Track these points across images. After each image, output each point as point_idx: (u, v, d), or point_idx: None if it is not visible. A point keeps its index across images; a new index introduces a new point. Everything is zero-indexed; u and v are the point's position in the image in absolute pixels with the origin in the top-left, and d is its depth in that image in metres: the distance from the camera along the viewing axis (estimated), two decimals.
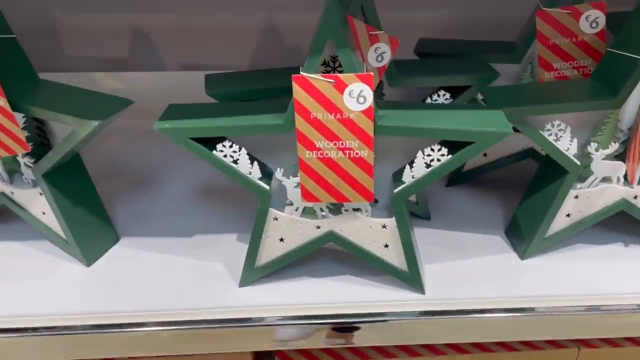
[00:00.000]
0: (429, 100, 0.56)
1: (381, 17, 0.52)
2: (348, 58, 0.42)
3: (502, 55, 0.60)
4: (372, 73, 0.41)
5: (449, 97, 0.56)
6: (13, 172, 0.55)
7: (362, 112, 0.43)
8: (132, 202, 0.65)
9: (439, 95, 0.56)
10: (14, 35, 0.49)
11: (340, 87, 0.42)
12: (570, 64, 0.57)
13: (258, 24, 0.82)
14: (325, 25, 0.41)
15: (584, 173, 0.52)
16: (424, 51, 0.62)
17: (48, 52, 0.82)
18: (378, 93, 0.55)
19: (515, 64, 0.60)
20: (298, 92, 0.42)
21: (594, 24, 0.55)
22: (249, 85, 0.54)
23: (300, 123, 0.43)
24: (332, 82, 0.42)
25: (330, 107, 0.43)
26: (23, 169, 0.52)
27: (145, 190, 0.67)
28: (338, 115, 0.43)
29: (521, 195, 0.58)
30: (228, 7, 0.80)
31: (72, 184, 0.53)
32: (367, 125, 0.43)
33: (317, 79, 0.42)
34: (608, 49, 0.50)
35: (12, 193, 0.54)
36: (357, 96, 0.42)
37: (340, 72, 0.49)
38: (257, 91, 0.53)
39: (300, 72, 0.42)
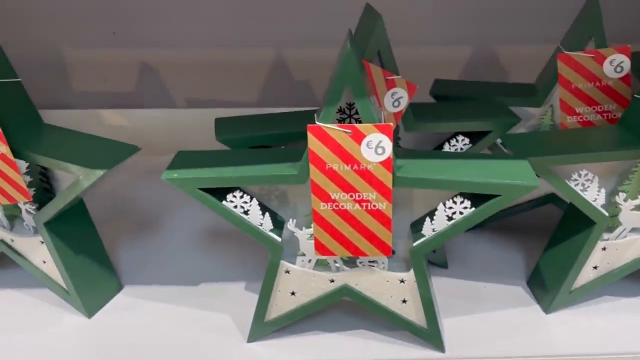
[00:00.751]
0: (447, 145, 0.54)
1: (395, 53, 0.50)
2: (366, 107, 0.40)
3: (522, 98, 0.58)
4: (391, 124, 0.39)
5: (467, 143, 0.53)
6: (14, 217, 0.53)
7: (381, 163, 0.40)
8: (136, 246, 0.62)
9: (457, 140, 0.53)
10: (19, 79, 0.48)
11: (358, 137, 0.40)
12: (594, 109, 0.54)
13: (267, 59, 0.81)
14: (342, 75, 0.39)
15: (611, 223, 0.49)
16: (441, 93, 0.60)
17: (55, 88, 0.81)
18: (394, 138, 0.52)
19: (536, 107, 0.58)
20: (313, 142, 0.40)
21: (618, 69, 0.53)
22: (260, 130, 0.52)
23: (315, 174, 0.41)
24: (349, 132, 0.40)
25: (347, 157, 0.40)
26: (24, 215, 0.50)
27: (150, 233, 0.65)
28: (355, 166, 0.41)
29: (542, 242, 0.55)
30: (236, 43, 0.79)
31: (74, 231, 0.50)
32: (386, 177, 0.41)
33: (334, 129, 0.40)
34: (635, 96, 0.48)
35: (12, 241, 0.52)
36: (376, 147, 0.40)
37: (357, 119, 0.48)
38: (269, 136, 0.51)
39: (316, 122, 0.40)
